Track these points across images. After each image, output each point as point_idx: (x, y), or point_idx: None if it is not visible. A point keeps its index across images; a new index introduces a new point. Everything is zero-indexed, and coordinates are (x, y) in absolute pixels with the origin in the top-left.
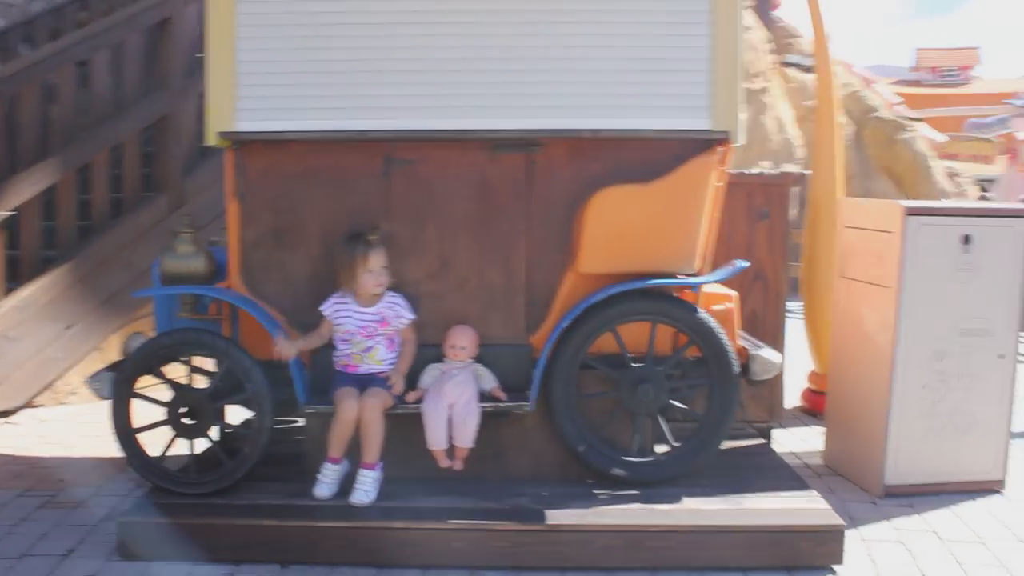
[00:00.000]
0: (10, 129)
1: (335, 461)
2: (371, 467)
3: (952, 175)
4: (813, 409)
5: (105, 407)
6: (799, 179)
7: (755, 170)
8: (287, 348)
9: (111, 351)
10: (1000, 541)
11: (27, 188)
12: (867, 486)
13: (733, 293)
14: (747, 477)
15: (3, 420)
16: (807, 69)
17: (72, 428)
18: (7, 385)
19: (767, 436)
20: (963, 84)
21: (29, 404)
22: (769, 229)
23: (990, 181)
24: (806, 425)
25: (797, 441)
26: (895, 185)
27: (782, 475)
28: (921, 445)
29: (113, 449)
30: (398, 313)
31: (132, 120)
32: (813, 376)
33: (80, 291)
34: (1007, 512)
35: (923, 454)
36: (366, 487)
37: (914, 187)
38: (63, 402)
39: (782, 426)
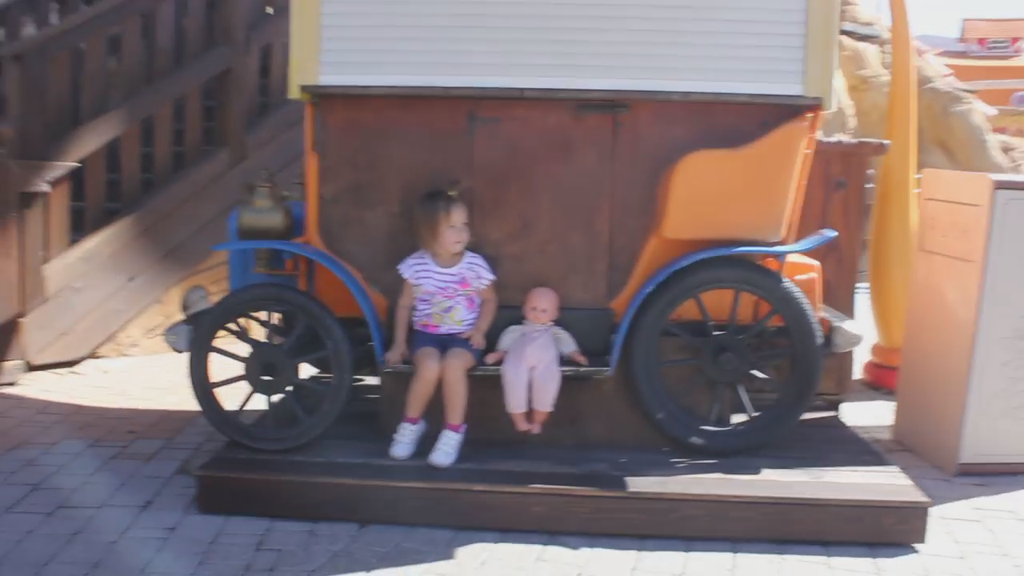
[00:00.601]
0: (75, 81)
1: (413, 421)
2: (455, 428)
3: (1007, 149)
4: (877, 383)
5: (166, 360)
6: (878, 149)
7: (833, 138)
8: (396, 356)
9: (171, 304)
10: None
11: (92, 140)
12: (940, 463)
13: (816, 263)
14: (824, 450)
15: (68, 370)
16: (861, 38)
17: (135, 379)
18: (72, 335)
19: (836, 409)
20: (1012, 56)
21: (92, 355)
22: (845, 199)
23: None
24: (871, 399)
25: (864, 414)
26: (948, 158)
27: (859, 449)
28: (997, 424)
29: (178, 402)
30: (479, 274)
31: (194, 73)
32: (878, 349)
33: (142, 244)
34: None
35: (999, 433)
36: (448, 448)
37: (968, 161)
38: (125, 354)
39: (847, 400)
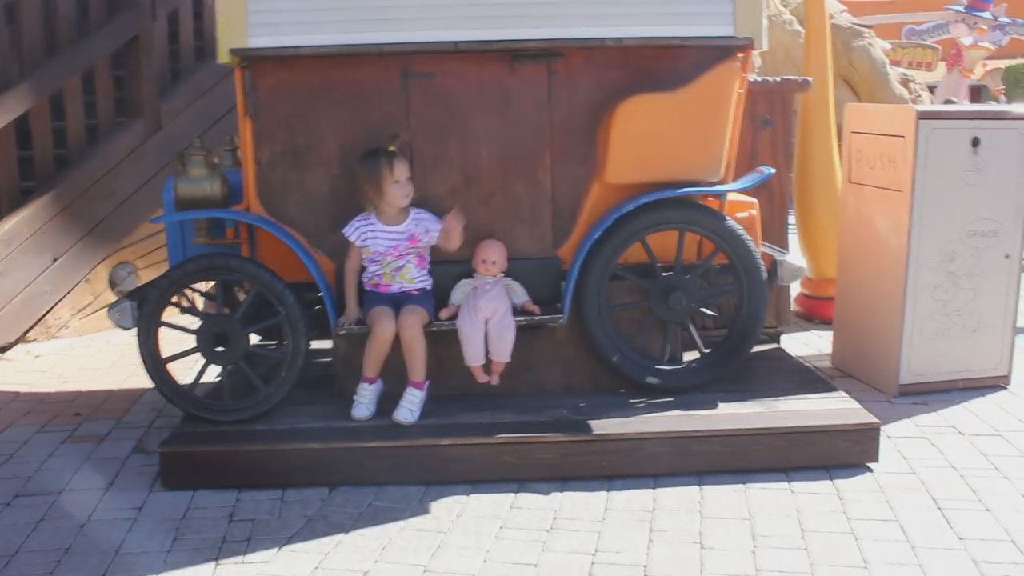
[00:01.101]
0: None
1: (371, 381)
2: (418, 386)
3: (906, 82)
4: (809, 314)
5: (99, 340)
6: (802, 85)
7: (757, 77)
8: (349, 318)
9: (100, 282)
10: (1016, 432)
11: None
12: (881, 386)
13: (753, 200)
14: (773, 381)
15: None
16: None
17: (69, 362)
18: None
19: (776, 341)
20: None
21: (21, 340)
22: (772, 137)
23: (931, 88)
24: (804, 329)
25: (800, 345)
26: (852, 92)
27: (806, 377)
28: (932, 345)
29: (121, 380)
30: (427, 227)
31: (101, 42)
32: (807, 282)
33: (63, 222)
34: (1016, 405)
35: (934, 353)
36: (412, 406)
37: (871, 94)
38: (55, 336)
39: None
